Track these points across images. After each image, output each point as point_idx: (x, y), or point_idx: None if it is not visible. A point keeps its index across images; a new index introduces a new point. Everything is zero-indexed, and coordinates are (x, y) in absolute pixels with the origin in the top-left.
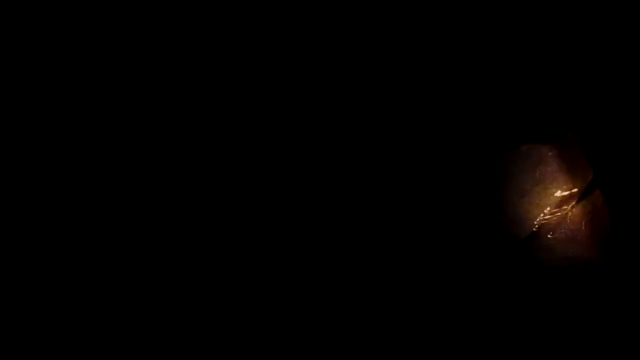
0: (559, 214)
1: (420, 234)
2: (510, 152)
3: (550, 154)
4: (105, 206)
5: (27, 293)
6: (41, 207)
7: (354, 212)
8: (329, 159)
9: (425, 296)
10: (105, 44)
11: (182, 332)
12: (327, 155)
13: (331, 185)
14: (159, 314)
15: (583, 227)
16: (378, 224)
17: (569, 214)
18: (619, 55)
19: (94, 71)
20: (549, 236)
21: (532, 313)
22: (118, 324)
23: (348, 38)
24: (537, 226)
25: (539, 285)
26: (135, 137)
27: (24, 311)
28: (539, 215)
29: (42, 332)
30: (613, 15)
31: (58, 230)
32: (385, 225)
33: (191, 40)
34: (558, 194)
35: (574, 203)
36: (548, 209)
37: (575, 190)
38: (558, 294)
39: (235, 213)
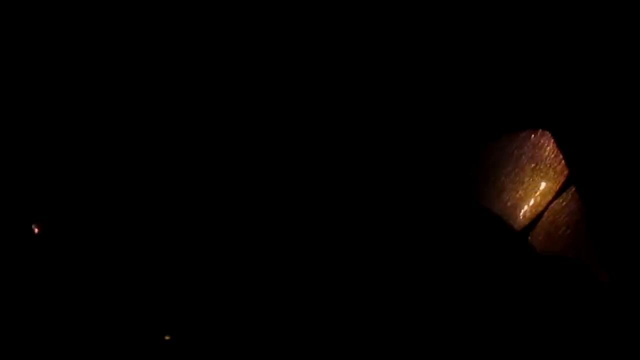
0: (536, 210)
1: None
2: (483, 148)
3: (526, 149)
4: (105, 206)
5: (27, 293)
6: (41, 207)
7: (345, 207)
8: (318, 155)
9: (408, 292)
10: (105, 43)
11: (182, 332)
12: (317, 151)
13: (322, 181)
14: (159, 314)
15: (560, 225)
16: (364, 219)
17: (546, 211)
18: (599, 54)
19: (94, 71)
20: (525, 233)
21: (511, 310)
22: (118, 324)
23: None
24: (513, 223)
25: (515, 282)
26: (135, 137)
27: (24, 311)
28: (516, 211)
29: (42, 332)
30: (593, 14)
31: (58, 230)
32: (369, 221)
33: (191, 40)
34: (535, 189)
35: (550, 199)
36: (525, 206)
37: (552, 186)
38: (535, 291)
39: (234, 213)
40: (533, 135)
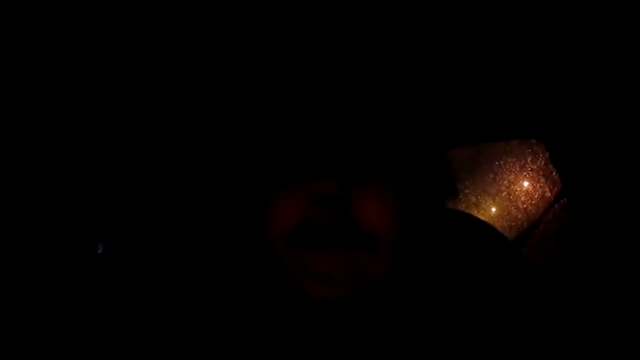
0: (529, 220)
1: None
2: (476, 155)
3: (520, 158)
4: (105, 206)
5: (26, 293)
6: (41, 207)
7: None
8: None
9: (399, 301)
10: (104, 43)
11: (182, 331)
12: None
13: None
14: (159, 313)
15: (554, 235)
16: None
17: (540, 222)
18: (594, 65)
19: (94, 71)
20: (519, 243)
21: (505, 320)
22: (118, 324)
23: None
24: (507, 233)
25: (509, 292)
26: (135, 137)
27: (23, 311)
28: (509, 221)
29: (42, 332)
30: (589, 23)
31: (58, 230)
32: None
33: (191, 40)
34: (528, 200)
35: (544, 210)
36: (519, 216)
37: (546, 196)
38: (529, 301)
39: (234, 213)
40: (526, 145)
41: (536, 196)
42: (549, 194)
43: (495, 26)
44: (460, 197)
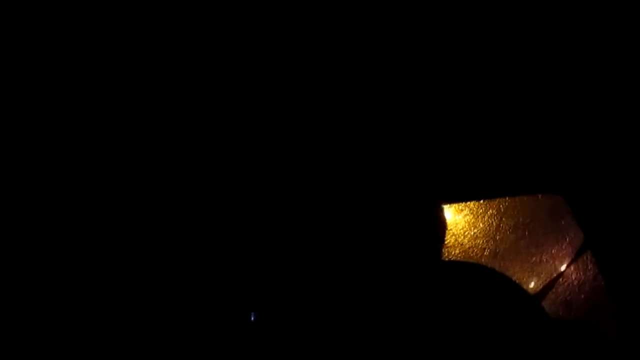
0: (550, 275)
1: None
2: (497, 209)
3: (541, 213)
4: (104, 206)
5: (27, 293)
6: (41, 207)
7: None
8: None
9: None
10: (104, 43)
11: (181, 332)
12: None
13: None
14: (158, 314)
15: (577, 290)
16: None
17: (561, 276)
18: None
19: (94, 71)
20: (540, 298)
21: None
22: (117, 324)
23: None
24: (527, 287)
25: (529, 348)
26: (135, 137)
27: (23, 311)
28: (530, 275)
29: (42, 332)
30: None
31: (57, 230)
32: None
33: (191, 39)
34: (550, 254)
35: (566, 265)
36: (540, 270)
37: (567, 251)
38: (550, 357)
39: (234, 213)
40: (548, 199)
41: (557, 250)
42: (570, 250)
43: (516, 76)
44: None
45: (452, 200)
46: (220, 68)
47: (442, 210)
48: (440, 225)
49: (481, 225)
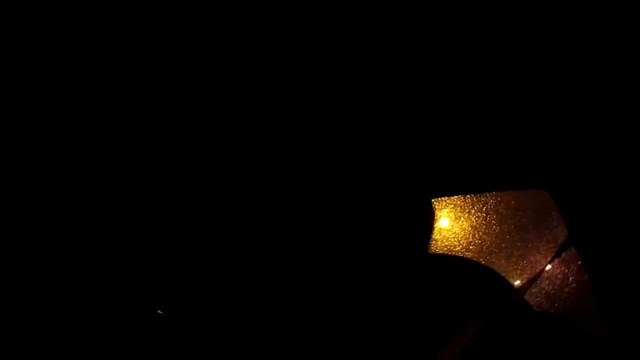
0: (535, 268)
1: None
2: (485, 202)
3: (527, 207)
4: (104, 206)
5: (26, 293)
6: (41, 207)
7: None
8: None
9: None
10: (104, 43)
11: (182, 332)
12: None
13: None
14: (159, 313)
15: (560, 285)
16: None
17: (545, 270)
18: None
19: (94, 71)
20: (523, 291)
21: None
22: (117, 324)
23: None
24: (512, 280)
25: (513, 340)
26: (135, 137)
27: (23, 311)
28: (515, 268)
29: (42, 332)
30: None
31: (57, 230)
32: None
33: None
34: (534, 248)
35: (550, 259)
36: (525, 263)
37: (552, 245)
38: (533, 349)
39: (234, 213)
40: (534, 194)
41: (542, 244)
42: (554, 244)
43: (504, 73)
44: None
45: (439, 194)
46: (221, 68)
47: (430, 204)
48: (428, 219)
49: (467, 220)
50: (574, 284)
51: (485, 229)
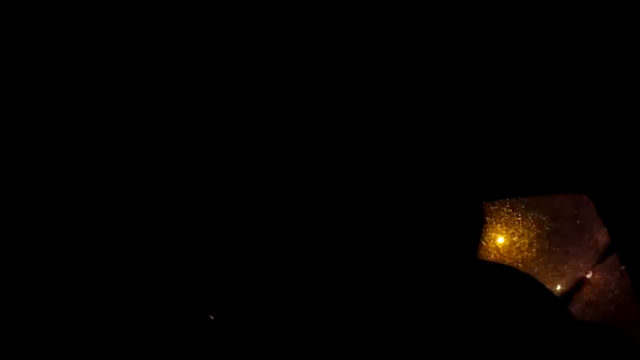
0: (576, 276)
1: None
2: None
3: (566, 211)
4: (104, 206)
5: (26, 293)
6: (41, 207)
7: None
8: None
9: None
10: (104, 43)
11: (181, 332)
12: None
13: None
14: (159, 314)
15: (603, 292)
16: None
17: (588, 277)
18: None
19: (94, 71)
20: (566, 299)
21: None
22: (117, 324)
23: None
24: (552, 287)
25: (554, 348)
26: (135, 137)
27: (23, 311)
28: (556, 276)
29: (42, 332)
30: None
31: (58, 230)
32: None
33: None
34: (576, 254)
35: (592, 266)
36: (566, 270)
37: (594, 252)
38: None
39: (234, 213)
40: (573, 197)
41: (584, 251)
42: (597, 251)
43: (544, 77)
44: (510, 249)
45: (479, 199)
46: (220, 68)
47: (482, 209)
48: (479, 223)
49: (502, 225)
50: (618, 291)
51: (522, 234)
